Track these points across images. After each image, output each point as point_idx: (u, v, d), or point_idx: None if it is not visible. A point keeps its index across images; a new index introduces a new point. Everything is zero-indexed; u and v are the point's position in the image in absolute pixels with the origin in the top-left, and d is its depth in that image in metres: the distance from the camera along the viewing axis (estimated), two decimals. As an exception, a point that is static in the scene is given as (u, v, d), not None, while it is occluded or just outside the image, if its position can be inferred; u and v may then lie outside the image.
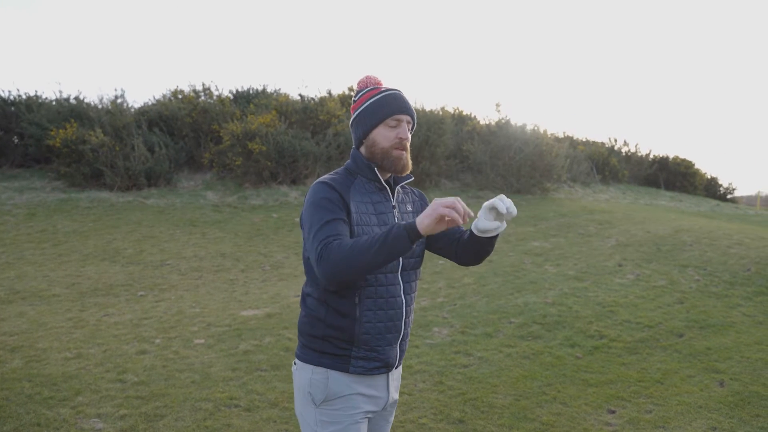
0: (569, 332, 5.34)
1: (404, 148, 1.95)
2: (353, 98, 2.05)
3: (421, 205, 2.14)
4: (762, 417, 3.73)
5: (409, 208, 2.08)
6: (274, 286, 7.25)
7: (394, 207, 2.00)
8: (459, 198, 1.68)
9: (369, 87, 2.01)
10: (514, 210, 1.80)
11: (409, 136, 1.99)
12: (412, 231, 1.67)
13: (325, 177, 1.94)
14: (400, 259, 1.93)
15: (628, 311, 5.81)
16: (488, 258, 8.36)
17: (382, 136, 1.94)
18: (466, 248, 2.02)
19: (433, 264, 8.16)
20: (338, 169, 2.00)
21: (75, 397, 4.03)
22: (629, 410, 3.89)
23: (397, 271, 1.94)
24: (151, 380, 4.35)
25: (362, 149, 2.00)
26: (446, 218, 1.66)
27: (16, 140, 14.28)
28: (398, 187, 2.05)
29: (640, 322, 5.53)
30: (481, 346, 5.12)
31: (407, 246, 1.68)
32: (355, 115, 2.01)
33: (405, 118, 1.96)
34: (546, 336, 5.30)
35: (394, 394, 2.07)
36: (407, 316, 1.98)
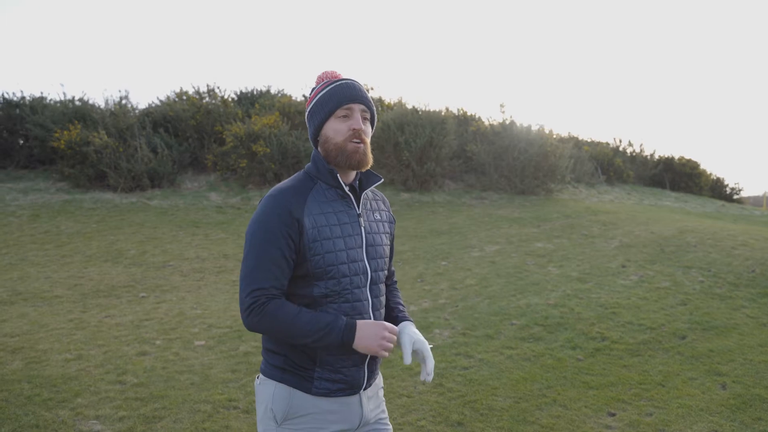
0: (571, 334, 5.31)
1: (360, 140, 1.78)
2: (308, 94, 1.90)
3: (387, 215, 2.00)
4: (764, 420, 3.70)
5: (377, 216, 1.92)
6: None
7: (359, 215, 1.83)
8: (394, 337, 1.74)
9: (325, 80, 1.85)
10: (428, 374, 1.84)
11: (368, 128, 1.84)
12: (348, 344, 1.70)
13: (282, 186, 1.78)
14: (369, 272, 1.81)
15: (631, 313, 5.77)
16: (491, 259, 8.36)
17: (334, 129, 1.78)
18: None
19: (436, 265, 8.14)
20: (298, 173, 1.86)
21: (74, 398, 4.03)
22: (629, 413, 3.86)
23: (366, 286, 1.80)
24: (150, 382, 4.34)
25: (319, 148, 1.84)
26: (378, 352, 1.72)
27: (21, 142, 14.35)
28: (364, 192, 1.88)
29: (642, 323, 5.49)
30: (481, 347, 5.10)
31: (338, 347, 1.72)
32: (307, 110, 1.86)
33: (358, 107, 1.79)
34: (547, 338, 5.27)
35: (375, 412, 1.90)
36: None
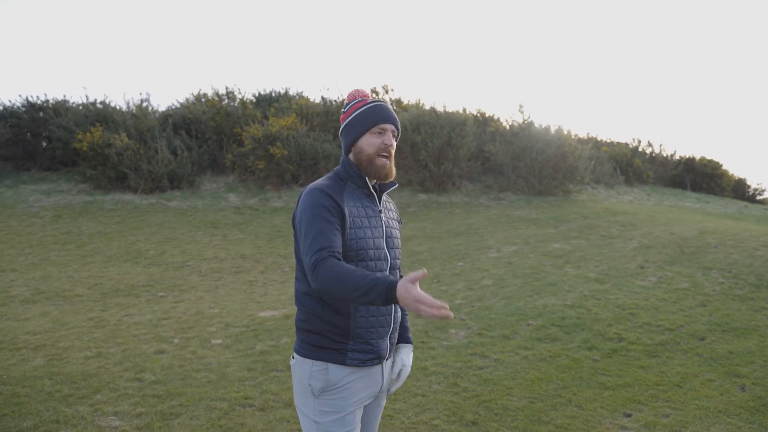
0: (587, 335, 5.28)
1: (389, 155, 2.10)
2: (342, 109, 2.19)
3: (397, 216, 2.30)
4: (784, 422, 3.64)
5: (391, 215, 2.24)
6: (293, 288, 7.28)
7: (380, 212, 2.14)
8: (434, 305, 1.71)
9: (357, 99, 2.16)
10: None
11: (394, 143, 2.13)
12: (391, 300, 1.76)
13: (318, 183, 2.05)
14: (389, 258, 2.11)
15: (649, 314, 5.71)
16: (508, 260, 8.33)
17: (368, 143, 2.08)
18: None
19: (452, 266, 8.13)
20: (328, 174, 2.13)
21: (94, 395, 4.09)
22: (646, 414, 3.83)
23: (387, 269, 2.09)
24: (168, 379, 4.40)
25: (350, 156, 2.13)
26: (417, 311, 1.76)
27: (45, 144, 14.60)
28: (384, 194, 2.20)
29: (660, 324, 5.44)
30: (497, 348, 5.08)
31: (380, 305, 1.81)
32: (344, 124, 2.15)
33: (390, 127, 2.10)
34: (564, 338, 5.24)
35: (387, 383, 2.20)
36: (395, 312, 2.13)
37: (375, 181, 2.14)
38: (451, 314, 1.71)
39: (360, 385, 2.06)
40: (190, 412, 3.87)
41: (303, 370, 2.05)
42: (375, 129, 2.09)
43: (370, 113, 2.10)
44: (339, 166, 2.16)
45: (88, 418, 3.74)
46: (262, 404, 4.00)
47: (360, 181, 2.11)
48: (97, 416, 3.78)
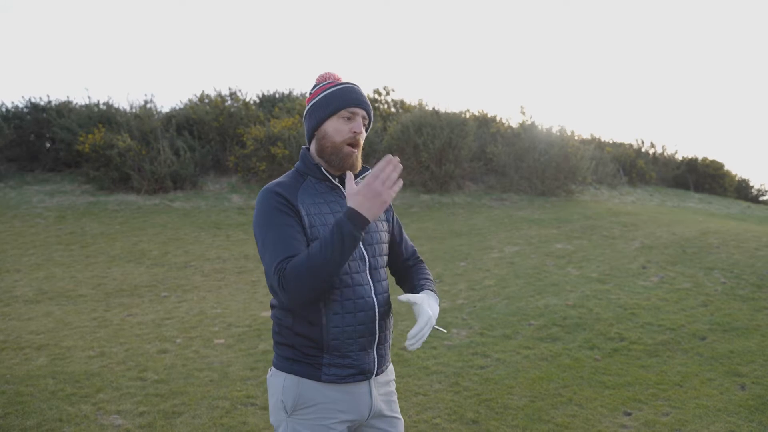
0: (589, 334, 5.29)
1: (356, 144, 1.86)
2: (309, 91, 1.95)
3: None
4: (784, 421, 3.65)
5: None
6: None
7: None
8: (388, 164, 1.65)
9: (327, 81, 1.92)
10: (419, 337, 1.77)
11: (364, 132, 1.89)
12: (363, 224, 1.65)
13: (271, 183, 1.84)
14: (366, 258, 1.85)
15: (650, 314, 5.72)
16: (510, 260, 8.34)
17: (335, 128, 1.84)
18: (405, 279, 2.07)
19: (455, 266, 8.15)
20: (289, 171, 1.92)
21: (96, 394, 4.12)
22: (646, 413, 3.84)
23: (365, 271, 1.84)
24: (170, 379, 4.43)
25: (312, 144, 1.91)
26: (386, 199, 1.65)
27: (48, 145, 14.66)
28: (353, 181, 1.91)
29: (662, 324, 5.45)
30: (499, 347, 5.10)
31: (359, 237, 1.65)
32: (308, 106, 1.91)
33: (360, 112, 1.86)
34: (565, 338, 5.26)
35: (382, 405, 1.91)
36: (382, 318, 1.86)
37: (340, 173, 1.90)
38: (396, 159, 1.64)
39: (341, 405, 1.81)
40: (192, 410, 3.89)
41: (276, 383, 1.84)
42: (344, 113, 1.83)
43: (339, 94, 1.85)
44: (298, 161, 1.93)
45: (91, 417, 3.76)
46: (263, 403, 4.02)
47: (319, 173, 1.86)
48: (99, 415, 3.80)
